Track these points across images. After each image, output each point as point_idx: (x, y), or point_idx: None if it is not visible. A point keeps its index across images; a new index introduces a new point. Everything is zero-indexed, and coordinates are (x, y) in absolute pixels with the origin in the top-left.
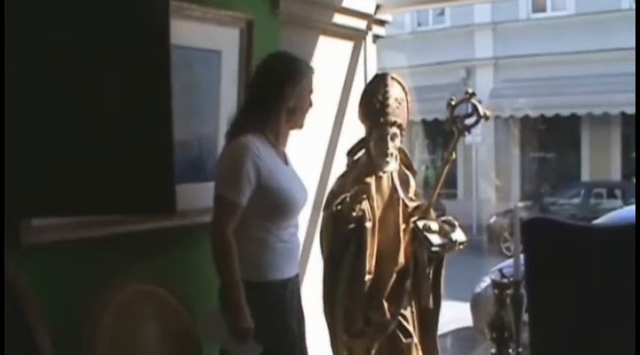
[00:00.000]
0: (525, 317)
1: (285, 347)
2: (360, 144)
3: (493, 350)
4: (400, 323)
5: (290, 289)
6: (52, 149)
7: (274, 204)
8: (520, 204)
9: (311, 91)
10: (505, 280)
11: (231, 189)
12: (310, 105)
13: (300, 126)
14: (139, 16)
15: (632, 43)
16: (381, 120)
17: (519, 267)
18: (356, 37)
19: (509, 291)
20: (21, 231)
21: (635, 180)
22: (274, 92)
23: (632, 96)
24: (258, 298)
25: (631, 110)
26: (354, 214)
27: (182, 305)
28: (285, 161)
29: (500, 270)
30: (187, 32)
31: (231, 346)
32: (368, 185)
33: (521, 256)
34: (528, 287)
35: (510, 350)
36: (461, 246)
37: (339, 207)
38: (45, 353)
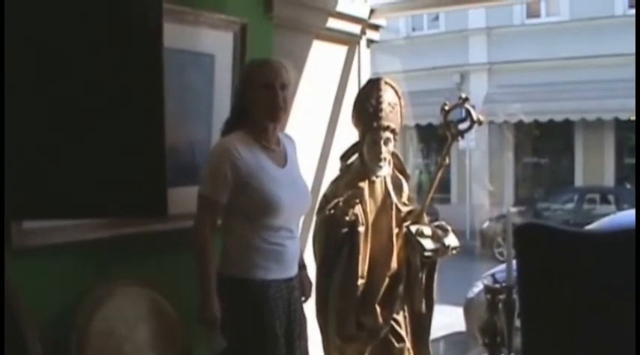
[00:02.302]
0: (517, 322)
1: (264, 347)
2: (354, 148)
3: None
4: (393, 327)
5: (274, 290)
6: (44, 151)
7: (255, 204)
8: (513, 209)
9: (264, 82)
10: (497, 285)
11: (208, 186)
12: (271, 95)
13: (268, 119)
14: (132, 19)
15: (626, 49)
16: (375, 124)
17: (511, 272)
18: (350, 41)
19: (502, 296)
20: (12, 233)
21: (629, 186)
22: (236, 95)
23: (626, 102)
24: (237, 293)
25: (624, 116)
26: (347, 219)
27: (173, 308)
28: (284, 164)
29: (493, 275)
30: (181, 36)
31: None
32: (361, 189)
33: (514, 261)
34: (520, 293)
35: None
36: (453, 251)
37: (332, 212)
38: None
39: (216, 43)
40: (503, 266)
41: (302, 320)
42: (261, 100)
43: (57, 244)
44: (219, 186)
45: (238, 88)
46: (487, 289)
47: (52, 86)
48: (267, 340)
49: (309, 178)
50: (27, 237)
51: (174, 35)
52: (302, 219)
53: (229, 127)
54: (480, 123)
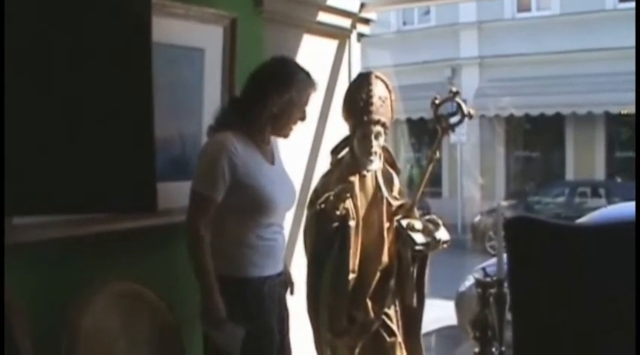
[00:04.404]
0: (509, 315)
1: (262, 343)
2: (344, 142)
3: (476, 349)
4: (384, 322)
5: (269, 286)
6: (33, 147)
7: (251, 202)
8: (504, 203)
9: (302, 104)
10: (488, 279)
11: (204, 184)
12: (302, 118)
13: (284, 135)
14: (119, 13)
15: (617, 43)
16: (365, 118)
17: (502, 266)
18: (340, 35)
19: (493, 290)
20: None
21: (619, 180)
22: (260, 94)
23: (616, 96)
24: (235, 293)
25: (615, 110)
26: (338, 213)
27: (165, 304)
28: (272, 160)
29: (484, 269)
30: (170, 30)
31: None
32: (352, 184)
33: (505, 255)
34: (511, 286)
35: (493, 349)
36: (444, 245)
37: (322, 206)
38: (25, 353)
39: (205, 37)
40: (494, 260)
41: (287, 314)
42: (292, 119)
43: (46, 240)
44: (216, 183)
45: (258, 87)
46: (478, 283)
47: (40, 81)
48: (265, 337)
49: (299, 172)
50: (15, 233)
51: (164, 29)
52: (292, 213)
53: (230, 120)
54: (470, 116)
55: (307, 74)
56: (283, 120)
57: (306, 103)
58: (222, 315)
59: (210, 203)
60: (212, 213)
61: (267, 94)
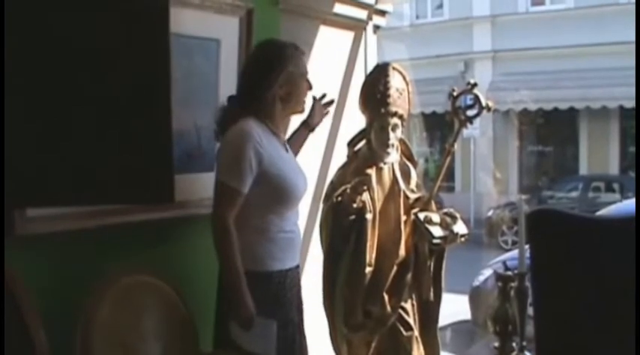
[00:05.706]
0: (530, 310)
1: (285, 337)
2: (361, 134)
3: (496, 344)
4: (400, 316)
5: (290, 279)
6: (48, 138)
7: (276, 192)
8: (524, 197)
9: (304, 74)
10: (509, 272)
11: (233, 176)
12: (309, 88)
13: (299, 111)
14: (137, 3)
15: (631, 37)
16: (382, 110)
17: (524, 260)
18: (356, 27)
19: (514, 284)
20: (16, 221)
21: (633, 174)
22: (263, 81)
23: (631, 90)
24: (258, 288)
25: (629, 104)
26: (355, 206)
27: (179, 296)
28: (286, 148)
29: (504, 263)
30: (186, 20)
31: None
32: (368, 176)
33: (526, 248)
34: (534, 280)
35: (514, 344)
36: (462, 239)
37: (339, 199)
38: (39, 345)
39: (221, 27)
40: (509, 254)
41: (302, 306)
42: (301, 91)
43: (62, 231)
44: (243, 174)
45: (259, 75)
46: (498, 276)
47: (56, 70)
48: (287, 330)
49: (315, 165)
50: (30, 225)
51: (180, 20)
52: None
53: (241, 113)
54: (489, 109)
55: (294, 46)
56: (293, 96)
57: (306, 72)
58: (253, 312)
59: (238, 195)
60: (239, 205)
61: (267, 79)
